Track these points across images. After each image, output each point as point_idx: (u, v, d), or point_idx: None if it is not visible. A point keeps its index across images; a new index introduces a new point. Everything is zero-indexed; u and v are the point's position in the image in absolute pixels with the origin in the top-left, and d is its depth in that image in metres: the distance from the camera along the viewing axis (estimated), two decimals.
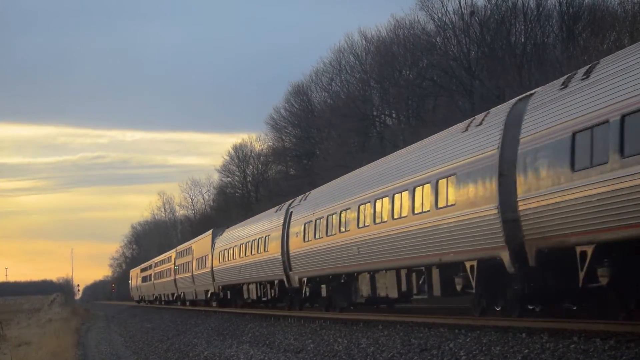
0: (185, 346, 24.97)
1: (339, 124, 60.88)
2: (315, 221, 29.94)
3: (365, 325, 22.46)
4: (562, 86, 16.11)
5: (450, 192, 19.61)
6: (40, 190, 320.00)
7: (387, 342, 17.54)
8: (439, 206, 20.14)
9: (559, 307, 19.17)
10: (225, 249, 47.09)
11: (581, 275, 14.96)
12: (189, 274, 60.24)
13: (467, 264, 19.24)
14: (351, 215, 26.19)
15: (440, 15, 53.07)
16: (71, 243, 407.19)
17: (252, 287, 41.81)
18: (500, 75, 44.91)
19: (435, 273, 21.30)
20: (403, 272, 23.26)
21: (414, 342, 16.78)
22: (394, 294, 24.14)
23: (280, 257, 34.96)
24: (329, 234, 28.36)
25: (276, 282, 36.94)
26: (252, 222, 44.16)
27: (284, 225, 34.69)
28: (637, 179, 13.29)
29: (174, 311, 58.77)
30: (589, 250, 14.78)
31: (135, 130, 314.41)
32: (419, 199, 21.34)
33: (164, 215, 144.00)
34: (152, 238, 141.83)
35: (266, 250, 37.54)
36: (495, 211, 17.63)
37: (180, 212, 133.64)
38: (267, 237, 37.75)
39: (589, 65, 15.83)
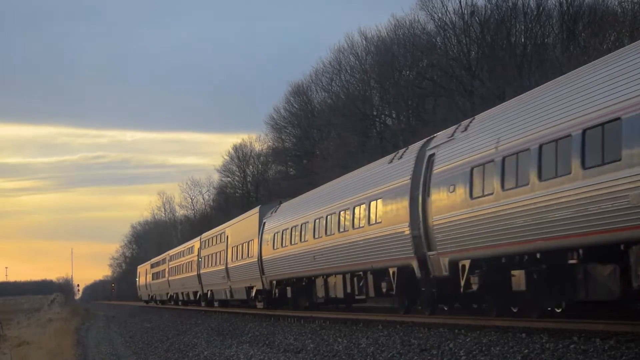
0: (185, 346, 24.97)
1: (338, 124, 60.85)
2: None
3: (365, 325, 22.47)
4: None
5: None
6: (40, 190, 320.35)
7: (387, 342, 17.54)
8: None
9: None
10: (284, 230, 35.42)
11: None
12: (222, 267, 48.95)
13: (390, 270, 23.81)
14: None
15: (440, 15, 53.09)
16: (71, 243, 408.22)
17: (337, 280, 29.22)
18: (501, 75, 44.92)
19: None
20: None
21: (414, 342, 16.78)
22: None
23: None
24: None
25: (394, 271, 24.55)
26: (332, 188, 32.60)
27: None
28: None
29: (174, 311, 58.71)
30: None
31: (135, 130, 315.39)
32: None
33: (163, 215, 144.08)
34: (152, 238, 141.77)
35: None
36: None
37: (180, 212, 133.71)
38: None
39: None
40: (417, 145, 23.44)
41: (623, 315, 15.60)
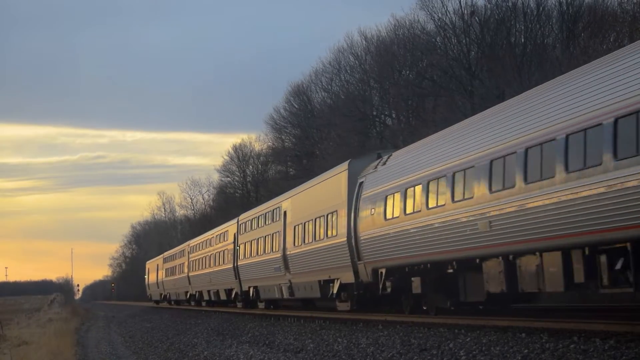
0: (185, 346, 24.96)
1: (338, 124, 60.83)
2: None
3: (365, 325, 22.48)
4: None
5: (223, 257, 36.67)
6: (40, 190, 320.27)
7: (387, 342, 17.53)
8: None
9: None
10: (410, 188, 23.40)
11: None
12: (276, 255, 36.73)
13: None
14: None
15: (440, 15, 53.02)
16: (71, 243, 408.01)
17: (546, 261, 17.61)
18: (500, 75, 44.89)
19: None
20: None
21: (414, 342, 16.77)
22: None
23: None
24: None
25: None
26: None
27: None
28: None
29: (174, 311, 58.66)
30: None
31: (135, 130, 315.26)
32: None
33: (163, 215, 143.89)
34: (152, 238, 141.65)
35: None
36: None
37: (180, 212, 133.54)
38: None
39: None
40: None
41: (623, 316, 15.60)
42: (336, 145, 60.98)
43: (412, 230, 22.93)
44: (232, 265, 46.72)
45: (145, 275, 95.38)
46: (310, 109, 73.22)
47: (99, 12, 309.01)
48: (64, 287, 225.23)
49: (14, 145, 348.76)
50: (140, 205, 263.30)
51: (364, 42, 64.73)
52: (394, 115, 61.70)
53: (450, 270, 21.47)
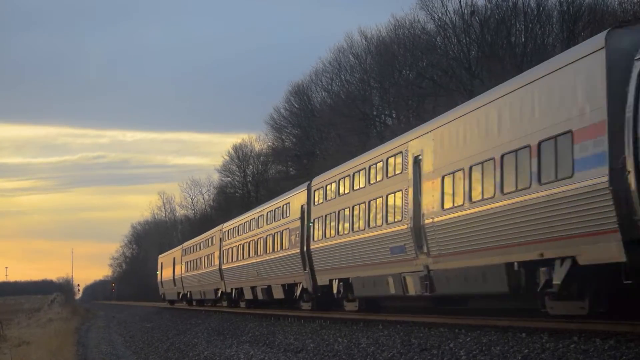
0: (185, 346, 24.95)
1: (339, 123, 60.84)
2: None
3: (366, 325, 22.46)
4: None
5: (285, 239, 35.63)
6: (40, 190, 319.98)
7: (387, 342, 17.53)
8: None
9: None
10: None
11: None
12: (401, 227, 23.28)
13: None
14: None
15: (440, 14, 53.06)
16: (71, 243, 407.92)
17: None
18: (501, 75, 44.86)
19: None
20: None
21: (414, 342, 16.77)
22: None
23: None
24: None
25: None
26: None
27: None
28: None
29: (174, 311, 58.53)
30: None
31: (135, 130, 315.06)
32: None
33: (164, 215, 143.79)
34: (152, 238, 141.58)
35: None
36: (299, 251, 33.09)
37: (180, 212, 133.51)
38: None
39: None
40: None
41: (623, 315, 15.59)
42: (336, 145, 61.02)
43: None
44: (298, 251, 33.44)
45: (157, 271, 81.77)
46: (311, 109, 73.25)
47: (99, 12, 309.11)
48: (64, 287, 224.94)
49: (14, 146, 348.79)
50: (140, 205, 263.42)
51: (364, 42, 64.85)
52: (394, 115, 61.73)
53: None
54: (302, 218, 33.55)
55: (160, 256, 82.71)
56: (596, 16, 46.80)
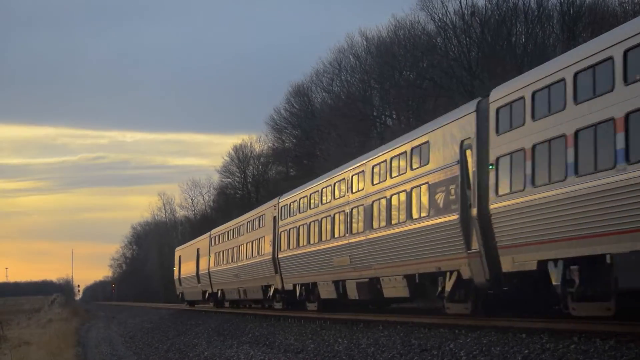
0: (185, 346, 24.95)
1: (339, 124, 60.81)
2: None
3: (366, 326, 22.45)
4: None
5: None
6: (40, 191, 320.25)
7: (387, 343, 17.52)
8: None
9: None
10: None
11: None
12: None
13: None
14: None
15: (440, 15, 53.04)
16: (71, 243, 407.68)
17: None
18: (501, 76, 44.85)
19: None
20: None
21: (414, 343, 16.76)
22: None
23: None
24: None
25: None
26: None
27: None
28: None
29: (174, 311, 58.39)
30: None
31: (135, 131, 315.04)
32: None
33: (164, 216, 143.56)
34: (152, 239, 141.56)
35: None
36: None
37: (180, 212, 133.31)
38: None
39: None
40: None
41: (623, 316, 15.58)
42: (336, 146, 60.96)
43: None
44: (458, 219, 20.64)
45: (174, 267, 68.88)
46: (311, 110, 73.23)
47: (98, 12, 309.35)
48: (65, 288, 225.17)
49: (13, 146, 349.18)
50: (140, 206, 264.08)
51: (365, 43, 64.83)
52: (394, 116, 61.70)
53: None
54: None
55: (177, 249, 70.31)
56: (597, 17, 46.79)
